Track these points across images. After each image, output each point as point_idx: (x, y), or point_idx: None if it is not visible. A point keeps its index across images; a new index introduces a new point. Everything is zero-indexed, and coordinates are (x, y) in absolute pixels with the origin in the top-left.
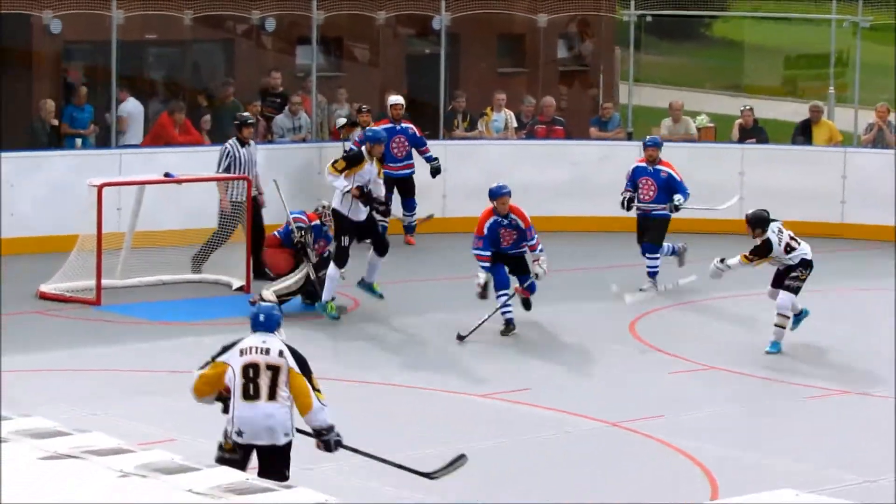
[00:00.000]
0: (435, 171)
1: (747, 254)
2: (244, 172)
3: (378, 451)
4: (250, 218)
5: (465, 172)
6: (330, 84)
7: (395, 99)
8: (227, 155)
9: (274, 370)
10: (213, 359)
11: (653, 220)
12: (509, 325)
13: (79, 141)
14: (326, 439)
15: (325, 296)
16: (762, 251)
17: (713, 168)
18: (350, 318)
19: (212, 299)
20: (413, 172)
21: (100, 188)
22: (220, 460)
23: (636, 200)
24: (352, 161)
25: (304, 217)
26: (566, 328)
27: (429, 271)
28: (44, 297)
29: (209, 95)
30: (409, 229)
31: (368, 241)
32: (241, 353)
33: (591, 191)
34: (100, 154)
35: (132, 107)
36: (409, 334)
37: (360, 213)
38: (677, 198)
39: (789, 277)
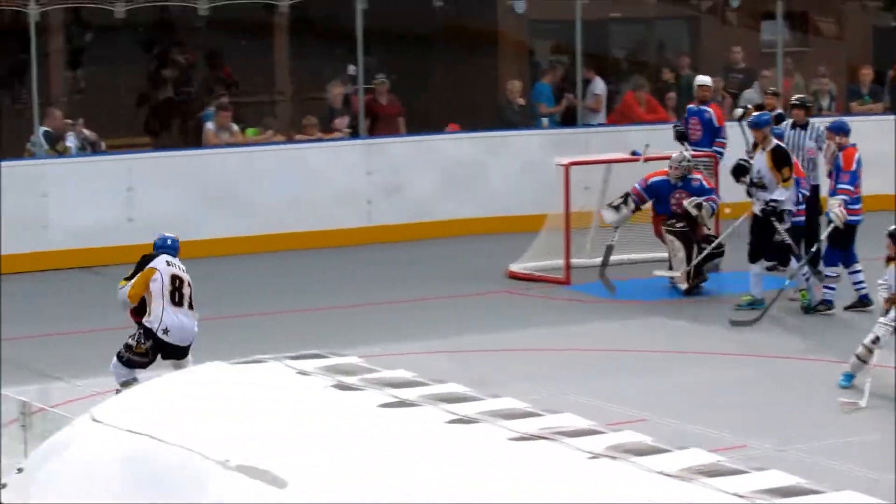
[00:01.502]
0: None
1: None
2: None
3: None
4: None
5: None
6: (793, 59)
7: (702, 79)
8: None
9: (190, 287)
10: (133, 274)
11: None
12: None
13: (545, 120)
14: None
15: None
16: None
17: None
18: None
19: None
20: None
21: (567, 167)
22: (129, 362)
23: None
24: None
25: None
26: None
27: None
28: (513, 276)
29: (675, 72)
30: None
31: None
32: (168, 263)
33: None
34: (566, 133)
35: (600, 86)
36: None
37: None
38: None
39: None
